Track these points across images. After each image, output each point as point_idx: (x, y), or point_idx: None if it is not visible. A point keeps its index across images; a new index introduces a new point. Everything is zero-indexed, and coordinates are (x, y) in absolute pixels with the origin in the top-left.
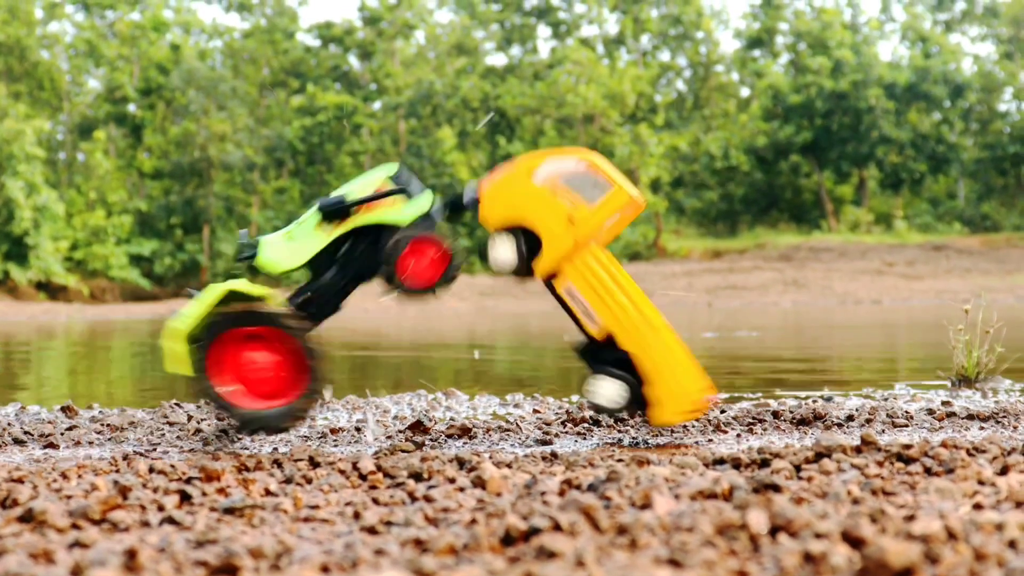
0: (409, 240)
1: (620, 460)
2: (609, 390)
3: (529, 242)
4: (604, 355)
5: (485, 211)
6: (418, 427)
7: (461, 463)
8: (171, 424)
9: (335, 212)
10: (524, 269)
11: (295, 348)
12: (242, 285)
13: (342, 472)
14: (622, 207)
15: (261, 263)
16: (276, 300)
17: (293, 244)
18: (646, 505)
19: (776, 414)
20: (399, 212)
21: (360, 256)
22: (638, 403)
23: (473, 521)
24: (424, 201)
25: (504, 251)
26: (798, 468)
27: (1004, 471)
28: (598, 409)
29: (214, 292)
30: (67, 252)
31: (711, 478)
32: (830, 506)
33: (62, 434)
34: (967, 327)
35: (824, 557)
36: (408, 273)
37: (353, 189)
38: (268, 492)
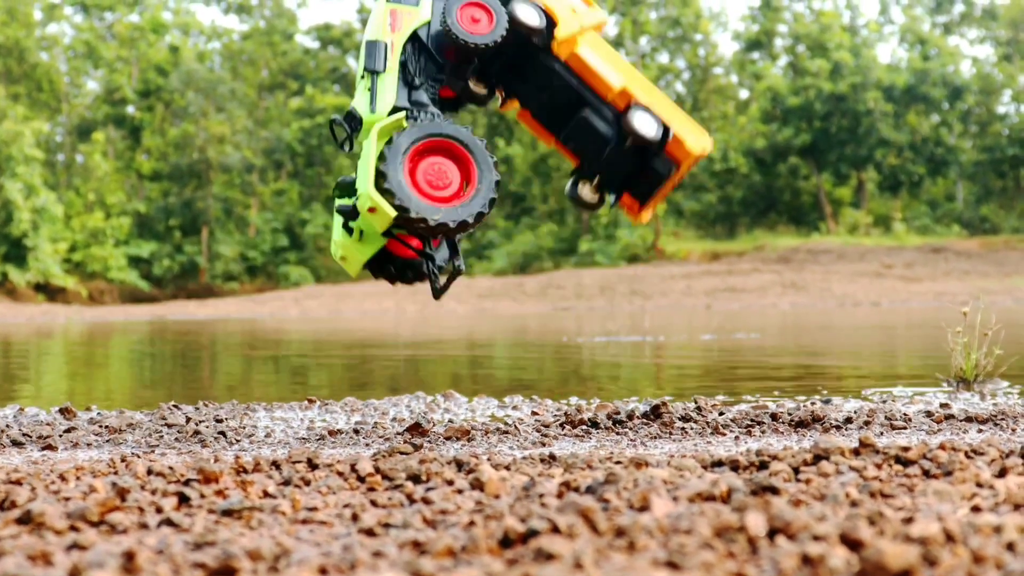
0: (453, 7)
1: (618, 462)
2: (649, 121)
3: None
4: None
5: None
6: (416, 429)
7: (459, 465)
8: (169, 426)
9: (374, 61)
10: (546, 32)
11: (465, 156)
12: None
13: (340, 474)
14: (601, 20)
15: (370, 119)
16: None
17: (379, 90)
18: (644, 507)
19: (774, 416)
20: (420, 11)
21: (424, 58)
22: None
23: (471, 523)
24: None
25: (531, 12)
26: (796, 470)
27: (1002, 474)
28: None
29: (376, 136)
30: (66, 254)
31: (709, 480)
32: (828, 508)
33: (60, 436)
34: (965, 329)
35: (822, 559)
36: (466, 25)
37: (371, 30)
38: (266, 494)
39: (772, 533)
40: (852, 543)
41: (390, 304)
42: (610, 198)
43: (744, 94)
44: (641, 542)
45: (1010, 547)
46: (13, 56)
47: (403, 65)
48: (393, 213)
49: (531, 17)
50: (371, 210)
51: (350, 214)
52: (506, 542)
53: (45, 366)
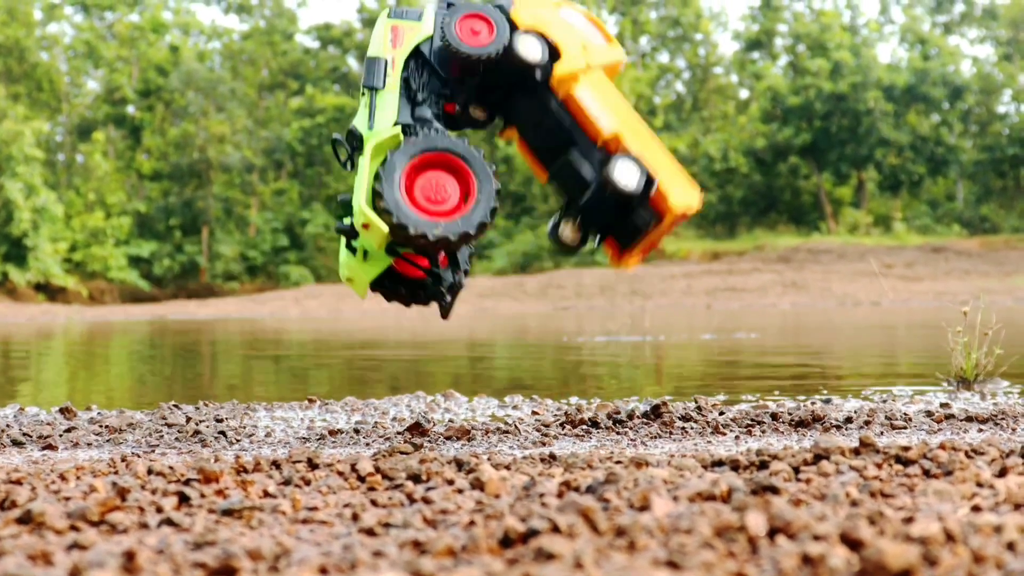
0: (453, 19)
1: (619, 462)
2: (631, 172)
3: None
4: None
5: (519, 11)
6: (417, 429)
7: (459, 465)
8: (169, 426)
9: (373, 78)
10: (547, 66)
11: (463, 168)
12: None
13: (340, 474)
14: (615, 60)
15: (368, 136)
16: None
17: (379, 107)
18: (644, 507)
19: (775, 416)
20: (423, 26)
21: (428, 73)
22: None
23: (471, 523)
24: (429, 6)
25: (533, 45)
26: (796, 470)
27: (1002, 473)
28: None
29: (371, 153)
30: (66, 253)
31: (709, 480)
32: (828, 508)
33: (60, 435)
34: (966, 329)
35: (822, 559)
36: (465, 37)
37: (372, 47)
38: (267, 494)
39: (772, 533)
40: (852, 543)
41: (391, 304)
42: (593, 241)
43: (744, 94)
44: (641, 542)
45: (1010, 547)
46: (13, 56)
47: (406, 81)
48: (385, 229)
49: (530, 51)
50: (365, 226)
51: (350, 233)
52: (506, 542)
53: (45, 366)
